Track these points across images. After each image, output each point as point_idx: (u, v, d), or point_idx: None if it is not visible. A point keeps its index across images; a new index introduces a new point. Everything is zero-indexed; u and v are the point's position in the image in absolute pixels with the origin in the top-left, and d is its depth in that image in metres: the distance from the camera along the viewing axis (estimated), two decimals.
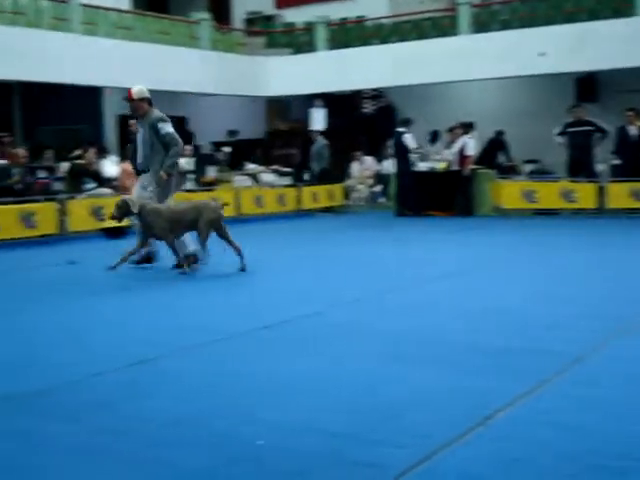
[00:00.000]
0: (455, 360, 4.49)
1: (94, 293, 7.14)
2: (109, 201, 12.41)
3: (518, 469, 2.93)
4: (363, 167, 18.70)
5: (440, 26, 18.71)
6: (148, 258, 8.52)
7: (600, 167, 15.20)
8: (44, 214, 11.50)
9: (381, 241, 11.48)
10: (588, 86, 17.54)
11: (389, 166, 17.10)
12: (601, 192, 14.28)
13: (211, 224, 8.01)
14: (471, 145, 15.05)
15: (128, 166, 13.32)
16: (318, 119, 17.59)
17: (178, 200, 9.05)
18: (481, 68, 17.09)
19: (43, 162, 13.96)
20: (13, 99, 20.35)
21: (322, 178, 17.19)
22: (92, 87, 17.13)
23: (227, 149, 17.71)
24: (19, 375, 4.41)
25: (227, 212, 14.42)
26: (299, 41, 20.60)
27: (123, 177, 13.30)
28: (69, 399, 3.93)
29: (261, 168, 17.83)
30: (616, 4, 16.67)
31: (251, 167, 17.76)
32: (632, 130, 14.42)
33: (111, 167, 13.68)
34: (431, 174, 15.52)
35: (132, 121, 9.70)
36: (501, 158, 16.80)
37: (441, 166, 15.61)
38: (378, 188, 18.18)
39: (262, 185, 16.88)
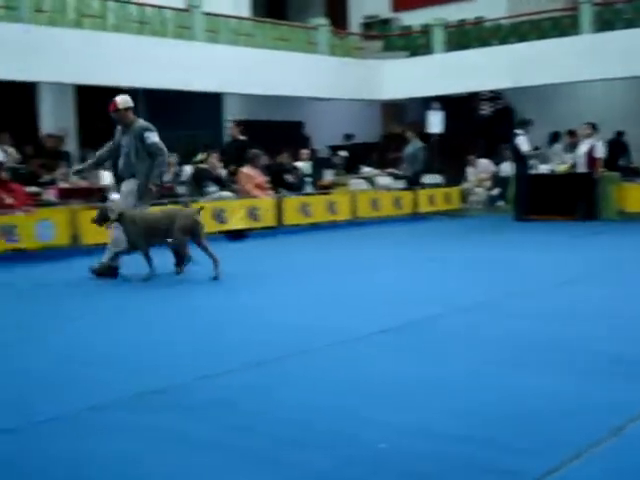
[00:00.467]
0: (582, 367, 4.38)
1: (213, 293, 7.36)
2: (231, 204, 12.75)
3: None
4: (478, 170, 18.46)
5: (561, 25, 18.26)
6: (112, 270, 8.31)
7: None
8: None
9: (500, 245, 11.29)
10: None
11: (507, 169, 16.82)
12: None
13: (185, 231, 7.95)
14: (600, 147, 14.59)
15: (249, 170, 13.70)
16: (435, 122, 17.43)
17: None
18: (604, 68, 16.56)
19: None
20: (138, 105, 21.11)
21: (414, 182, 16.94)
22: (214, 93, 17.63)
23: (344, 153, 17.84)
24: (147, 373, 4.54)
25: (343, 215, 14.74)
26: (415, 44, 20.52)
27: (244, 181, 13.62)
28: (193, 397, 4.02)
29: (377, 171, 17.87)
30: None
31: (367, 170, 17.83)
32: None
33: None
34: (551, 177, 15.16)
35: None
36: (622, 160, 16.26)
37: (561, 168, 15.23)
38: (496, 191, 17.90)
39: (378, 188, 16.92)
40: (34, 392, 4.20)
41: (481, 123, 20.57)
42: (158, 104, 19.90)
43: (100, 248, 8.91)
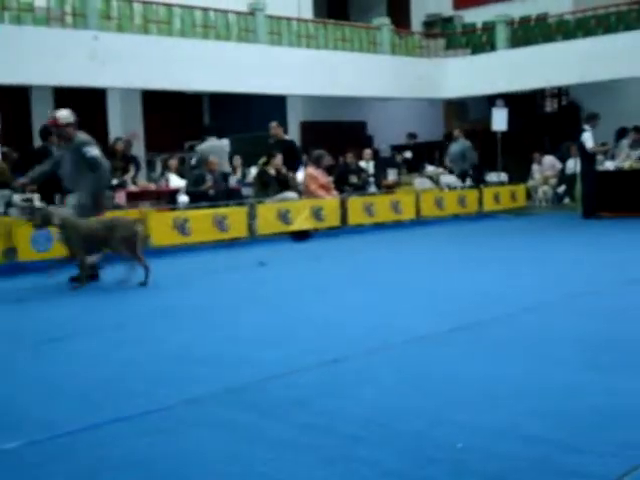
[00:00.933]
0: None
1: (289, 293, 7.47)
2: (295, 205, 12.87)
3: None
4: (544, 167, 18.24)
5: (627, 20, 17.95)
6: (92, 275, 8.32)
7: None
8: (235, 218, 12.06)
9: (568, 243, 11.12)
10: None
11: (573, 166, 16.58)
12: None
13: (122, 242, 7.87)
14: None
15: (313, 171, 13.80)
16: (499, 120, 17.27)
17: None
18: None
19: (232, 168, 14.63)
20: (203, 108, 21.48)
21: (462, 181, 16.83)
22: (277, 95, 17.81)
23: (408, 153, 17.82)
24: (226, 371, 4.64)
25: (407, 214, 14.71)
26: (478, 41, 20.39)
27: (308, 181, 13.73)
28: (266, 395, 4.08)
29: (440, 170, 17.81)
30: None
31: (430, 169, 17.78)
32: None
33: (297, 172, 14.16)
34: (619, 173, 14.89)
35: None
36: None
37: (627, 165, 14.95)
38: (562, 189, 17.67)
39: (442, 187, 16.86)
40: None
41: (546, 120, 20.30)
42: (222, 107, 20.22)
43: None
